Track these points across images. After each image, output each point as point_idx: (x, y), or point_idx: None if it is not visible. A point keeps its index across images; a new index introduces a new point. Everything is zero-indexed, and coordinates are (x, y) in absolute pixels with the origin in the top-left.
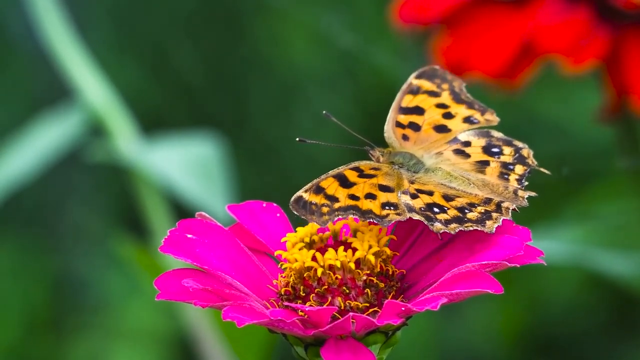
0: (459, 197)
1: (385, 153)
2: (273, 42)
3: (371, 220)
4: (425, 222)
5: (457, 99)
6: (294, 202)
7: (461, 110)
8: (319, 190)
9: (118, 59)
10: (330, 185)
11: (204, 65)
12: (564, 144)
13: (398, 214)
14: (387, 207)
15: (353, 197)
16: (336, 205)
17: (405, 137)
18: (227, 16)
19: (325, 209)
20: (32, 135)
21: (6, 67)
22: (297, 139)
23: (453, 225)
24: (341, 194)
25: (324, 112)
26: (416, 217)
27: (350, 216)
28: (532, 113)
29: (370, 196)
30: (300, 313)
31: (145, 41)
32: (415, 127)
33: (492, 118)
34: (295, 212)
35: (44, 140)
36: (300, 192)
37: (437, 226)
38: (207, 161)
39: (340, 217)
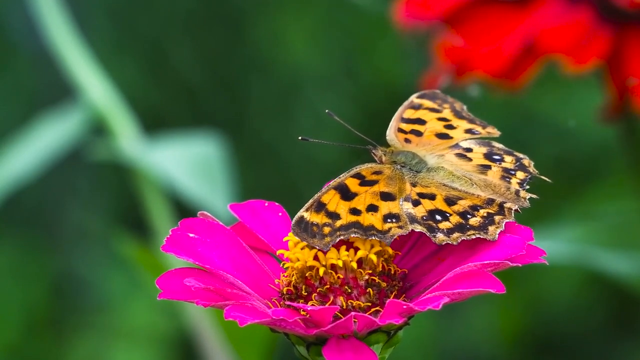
0: (461, 199)
1: (388, 152)
2: (273, 42)
3: (373, 237)
4: (428, 234)
5: (459, 115)
6: (296, 224)
7: (463, 124)
8: (320, 207)
9: (118, 58)
10: (331, 199)
11: (204, 65)
12: (565, 144)
13: (400, 227)
14: (389, 220)
15: (354, 211)
16: (338, 223)
17: (407, 141)
18: (227, 16)
19: (326, 229)
20: (33, 134)
21: (7, 66)
22: (300, 138)
23: (455, 235)
24: (342, 209)
25: (326, 110)
26: (418, 228)
27: (353, 235)
28: (532, 113)
29: (371, 208)
30: (302, 312)
31: (145, 41)
32: (417, 133)
33: (493, 131)
34: (297, 237)
35: (45, 140)
36: (301, 212)
37: (440, 237)
38: (208, 160)
39: (342, 236)
